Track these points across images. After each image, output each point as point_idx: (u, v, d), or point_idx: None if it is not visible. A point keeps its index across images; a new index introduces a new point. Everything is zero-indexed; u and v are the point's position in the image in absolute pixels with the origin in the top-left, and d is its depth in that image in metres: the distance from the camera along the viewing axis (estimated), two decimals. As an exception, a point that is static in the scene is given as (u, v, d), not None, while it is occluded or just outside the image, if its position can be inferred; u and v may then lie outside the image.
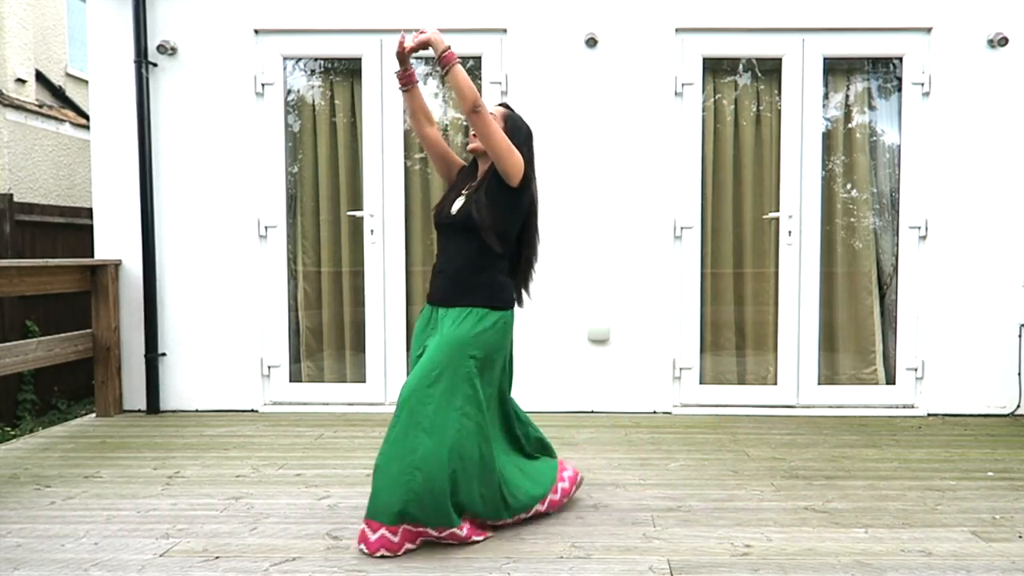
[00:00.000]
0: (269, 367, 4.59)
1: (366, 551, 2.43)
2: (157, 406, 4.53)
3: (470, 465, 2.47)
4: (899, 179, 4.51)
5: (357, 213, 4.61)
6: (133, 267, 4.53)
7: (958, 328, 4.43)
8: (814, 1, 4.38)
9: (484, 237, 2.56)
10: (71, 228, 6.03)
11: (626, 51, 4.42)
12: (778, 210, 4.51)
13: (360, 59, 4.53)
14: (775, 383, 4.55)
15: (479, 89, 4.53)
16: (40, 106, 7.04)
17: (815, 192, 4.47)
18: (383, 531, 2.41)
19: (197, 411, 4.56)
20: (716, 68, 4.55)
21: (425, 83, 4.64)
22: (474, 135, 2.63)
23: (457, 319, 2.56)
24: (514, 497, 2.61)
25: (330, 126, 4.66)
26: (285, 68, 4.58)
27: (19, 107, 6.60)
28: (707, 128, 4.55)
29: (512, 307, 2.69)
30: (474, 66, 4.57)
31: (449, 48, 2.52)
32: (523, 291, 2.79)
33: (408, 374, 2.59)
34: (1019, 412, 4.42)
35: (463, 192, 2.70)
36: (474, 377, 2.51)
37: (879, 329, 4.58)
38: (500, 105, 2.80)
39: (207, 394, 4.57)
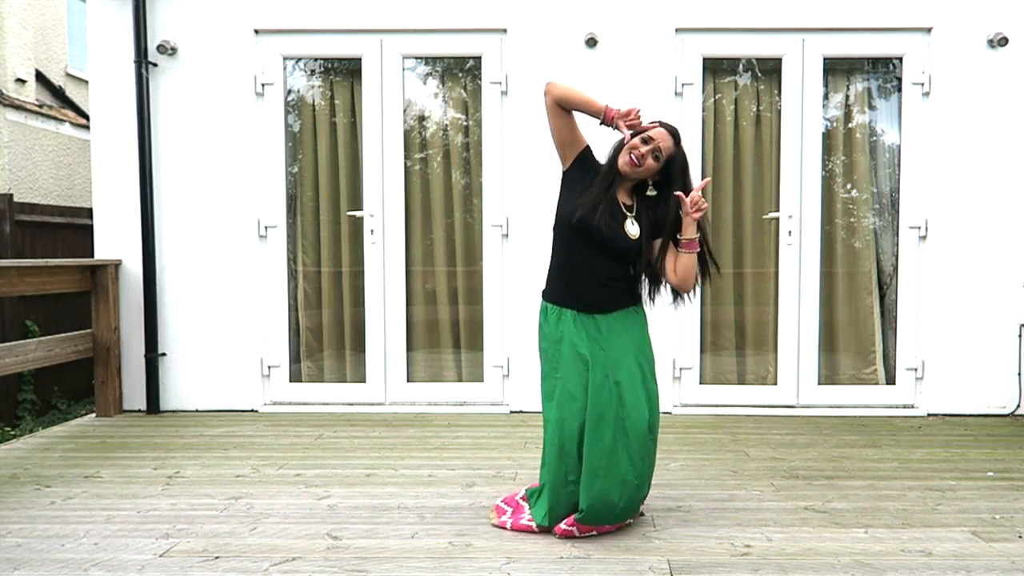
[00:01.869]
0: (269, 367, 4.59)
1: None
2: (157, 406, 4.53)
3: None
4: (899, 179, 4.50)
5: (357, 213, 4.61)
6: (133, 267, 4.53)
7: (958, 328, 4.43)
8: (814, 1, 4.38)
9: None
10: (71, 228, 6.03)
11: (626, 51, 4.42)
12: (778, 210, 4.51)
13: (360, 59, 4.53)
14: (775, 383, 4.55)
15: (479, 90, 4.55)
16: (40, 106, 7.04)
17: (815, 192, 4.47)
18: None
19: (197, 411, 4.56)
20: (716, 68, 4.55)
21: (425, 83, 4.64)
22: (634, 164, 2.52)
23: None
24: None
25: (330, 126, 4.67)
26: (285, 68, 4.57)
27: (19, 107, 6.60)
28: (707, 128, 4.54)
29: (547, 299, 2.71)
30: (474, 66, 4.57)
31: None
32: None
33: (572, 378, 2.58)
34: (1019, 412, 4.42)
35: (629, 215, 2.60)
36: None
37: (879, 329, 4.58)
38: (667, 130, 2.58)
39: (207, 394, 4.57)
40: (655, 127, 2.56)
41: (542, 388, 2.68)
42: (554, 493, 2.58)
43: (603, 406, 2.51)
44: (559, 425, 2.56)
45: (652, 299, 2.72)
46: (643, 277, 2.68)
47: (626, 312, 2.63)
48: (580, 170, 2.64)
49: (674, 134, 2.58)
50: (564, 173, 2.68)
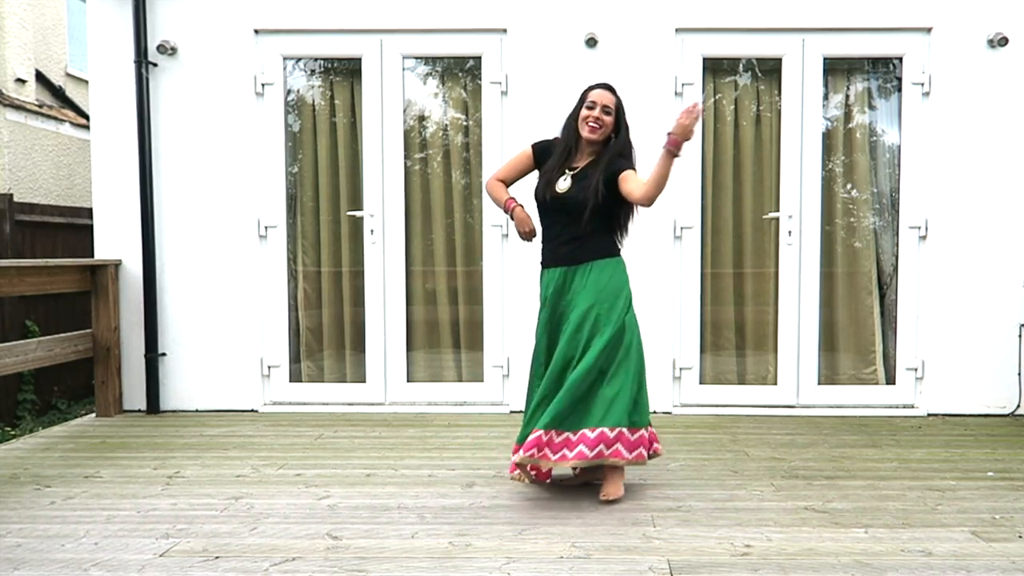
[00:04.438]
0: (269, 367, 4.59)
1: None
2: (157, 406, 4.53)
3: None
4: (899, 179, 4.50)
5: (357, 213, 4.61)
6: (133, 267, 4.53)
7: (958, 328, 4.43)
8: (814, 1, 4.38)
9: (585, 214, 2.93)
10: (71, 228, 6.02)
11: (626, 51, 4.42)
12: (778, 210, 4.51)
13: (360, 59, 4.53)
14: (775, 383, 4.55)
15: (479, 90, 4.55)
16: (40, 106, 7.04)
17: (815, 192, 4.47)
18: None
19: (197, 411, 4.56)
20: (716, 68, 4.55)
21: (425, 83, 4.64)
22: (597, 128, 2.93)
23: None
24: None
25: (330, 126, 4.67)
26: (285, 68, 4.57)
27: (19, 107, 6.60)
28: (707, 128, 4.54)
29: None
30: (474, 66, 4.57)
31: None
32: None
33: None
34: (1019, 412, 4.42)
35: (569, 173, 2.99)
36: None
37: (879, 329, 4.58)
38: (604, 88, 3.00)
39: (207, 394, 4.57)
40: (598, 89, 2.98)
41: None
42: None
43: (563, 347, 2.91)
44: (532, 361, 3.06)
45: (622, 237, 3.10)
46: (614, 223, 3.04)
47: (592, 264, 2.96)
48: (541, 162, 3.10)
49: (608, 87, 3.01)
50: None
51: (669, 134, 2.69)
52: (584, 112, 2.95)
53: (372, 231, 4.56)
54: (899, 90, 4.49)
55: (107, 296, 4.45)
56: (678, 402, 4.54)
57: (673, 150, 2.69)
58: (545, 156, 3.07)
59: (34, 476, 3.30)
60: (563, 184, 2.95)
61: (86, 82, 6.93)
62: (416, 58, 4.59)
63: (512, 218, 3.07)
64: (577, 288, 2.95)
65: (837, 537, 2.58)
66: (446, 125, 4.66)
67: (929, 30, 4.39)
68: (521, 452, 2.84)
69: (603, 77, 4.40)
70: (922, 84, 4.41)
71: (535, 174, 3.13)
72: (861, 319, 4.60)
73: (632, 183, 2.84)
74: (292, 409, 4.54)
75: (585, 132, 2.95)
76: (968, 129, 4.38)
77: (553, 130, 4.40)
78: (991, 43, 4.33)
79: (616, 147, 2.97)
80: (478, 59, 4.53)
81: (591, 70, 4.42)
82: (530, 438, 2.82)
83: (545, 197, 2.97)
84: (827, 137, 4.55)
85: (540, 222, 3.09)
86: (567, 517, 2.76)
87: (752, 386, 4.58)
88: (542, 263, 3.09)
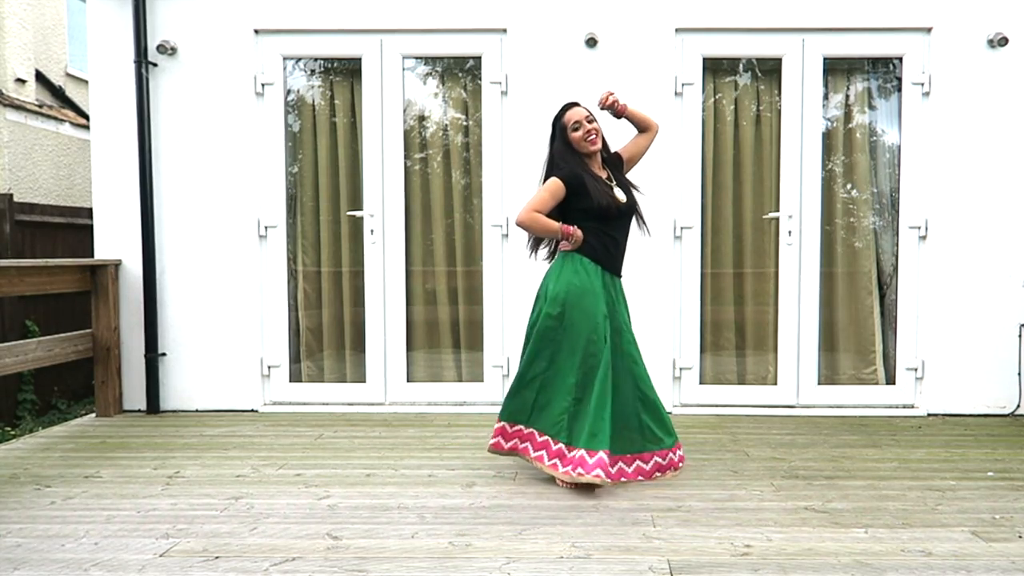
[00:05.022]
0: (269, 367, 4.59)
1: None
2: (157, 406, 4.53)
3: None
4: (899, 179, 4.51)
5: (357, 213, 4.61)
6: (133, 267, 4.53)
7: (958, 328, 4.43)
8: (814, 1, 4.38)
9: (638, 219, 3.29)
10: (71, 228, 6.03)
11: (626, 51, 4.42)
12: (778, 210, 4.51)
13: (360, 59, 4.53)
14: (775, 383, 4.55)
15: (479, 90, 4.55)
16: (40, 106, 7.05)
17: (815, 192, 4.47)
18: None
19: (197, 411, 4.56)
20: (716, 68, 4.55)
21: (425, 83, 4.64)
22: (595, 138, 3.15)
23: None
24: None
25: (330, 126, 4.67)
26: (285, 68, 4.58)
27: (19, 107, 6.60)
28: (707, 128, 4.55)
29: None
30: (474, 66, 4.57)
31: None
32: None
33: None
34: (1019, 412, 4.42)
35: (612, 184, 3.23)
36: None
37: (879, 329, 4.58)
38: (572, 106, 3.22)
39: (207, 394, 4.57)
40: (570, 110, 3.17)
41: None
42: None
43: (607, 354, 3.10)
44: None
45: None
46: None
47: (620, 279, 3.30)
48: (577, 187, 3.12)
49: (574, 103, 3.22)
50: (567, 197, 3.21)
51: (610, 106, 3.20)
52: (575, 135, 3.15)
53: (372, 231, 4.56)
54: (899, 90, 4.49)
55: (107, 296, 4.45)
56: (678, 402, 4.54)
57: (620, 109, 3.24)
58: (575, 181, 3.11)
59: (34, 476, 3.30)
60: (620, 193, 3.19)
61: (86, 82, 6.94)
62: (416, 58, 4.59)
63: (570, 240, 3.15)
64: (623, 300, 3.27)
65: (837, 537, 2.58)
66: (446, 125, 4.66)
67: (929, 30, 4.39)
68: (655, 474, 3.20)
69: (603, 77, 4.43)
70: (922, 84, 4.41)
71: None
72: (861, 319, 4.60)
73: (634, 144, 3.34)
74: (292, 409, 4.54)
75: (589, 148, 3.15)
76: (968, 129, 4.38)
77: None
78: (991, 43, 4.34)
79: (609, 151, 3.31)
80: (478, 59, 4.53)
81: (591, 70, 4.42)
82: (670, 457, 3.23)
83: (614, 208, 3.13)
84: (827, 137, 4.55)
85: (600, 232, 3.15)
86: (567, 517, 2.76)
87: (752, 386, 4.58)
88: (602, 263, 3.17)
